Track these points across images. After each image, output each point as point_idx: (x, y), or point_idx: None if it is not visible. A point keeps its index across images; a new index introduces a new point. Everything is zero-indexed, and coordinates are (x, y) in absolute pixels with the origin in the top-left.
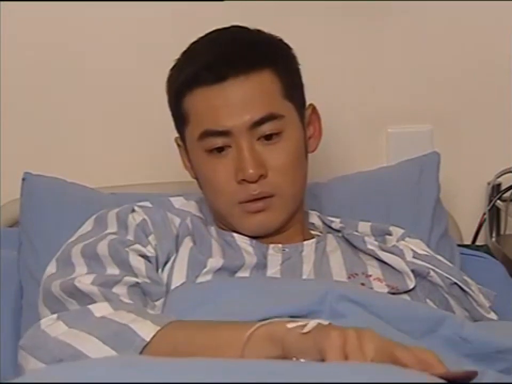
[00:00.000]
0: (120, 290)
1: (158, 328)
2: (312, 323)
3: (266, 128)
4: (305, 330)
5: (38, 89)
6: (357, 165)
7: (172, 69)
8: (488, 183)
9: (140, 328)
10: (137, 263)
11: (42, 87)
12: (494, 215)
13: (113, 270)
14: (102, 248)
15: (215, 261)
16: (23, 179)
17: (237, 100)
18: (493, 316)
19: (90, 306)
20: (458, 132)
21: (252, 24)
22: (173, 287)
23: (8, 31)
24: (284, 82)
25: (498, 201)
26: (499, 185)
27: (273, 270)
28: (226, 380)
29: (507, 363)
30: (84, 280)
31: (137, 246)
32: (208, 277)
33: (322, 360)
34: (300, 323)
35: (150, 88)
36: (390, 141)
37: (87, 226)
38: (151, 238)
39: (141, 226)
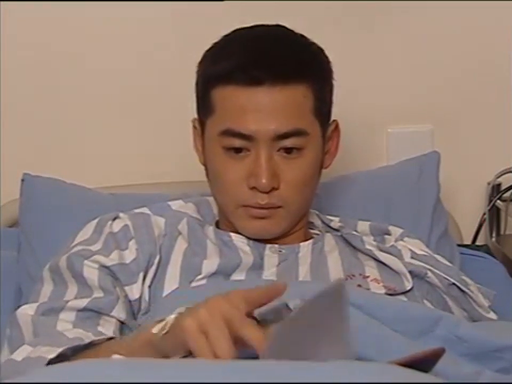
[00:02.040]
0: (67, 316)
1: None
2: (169, 320)
3: (289, 143)
4: (164, 332)
5: (38, 89)
6: (357, 165)
7: (208, 51)
8: (488, 183)
9: (50, 354)
10: (90, 274)
11: (42, 87)
12: (494, 215)
13: (72, 287)
14: (62, 262)
15: (210, 264)
16: (22, 180)
17: (267, 108)
18: (492, 315)
19: (13, 356)
20: (458, 132)
21: (251, 24)
22: (165, 292)
23: (8, 31)
24: (316, 98)
25: (498, 201)
26: (499, 185)
27: (269, 271)
28: (227, 380)
29: (504, 362)
30: (27, 310)
31: (97, 257)
32: (203, 282)
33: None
34: (161, 324)
35: (150, 88)
36: (390, 141)
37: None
38: (131, 243)
39: (119, 234)
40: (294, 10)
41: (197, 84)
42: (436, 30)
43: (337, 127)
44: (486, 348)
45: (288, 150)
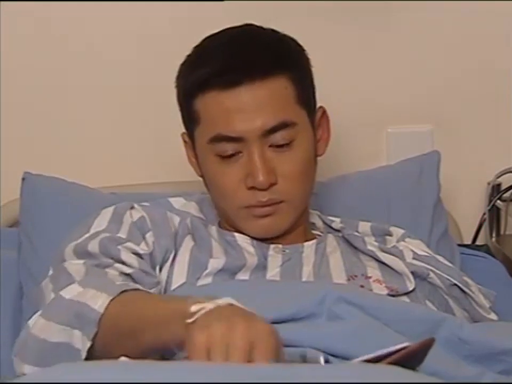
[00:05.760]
0: (112, 272)
1: (110, 298)
2: (201, 311)
3: (279, 137)
4: (189, 320)
5: (38, 89)
6: (357, 165)
7: (183, 65)
8: (488, 183)
9: (95, 302)
10: (129, 258)
11: (42, 86)
12: (494, 215)
13: (106, 260)
14: (93, 246)
15: (216, 262)
16: (23, 179)
17: (251, 106)
18: (493, 316)
19: (62, 292)
20: (458, 132)
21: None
22: (173, 287)
23: (8, 31)
24: (297, 87)
25: (498, 201)
26: (499, 185)
27: (273, 271)
28: (226, 380)
29: (506, 365)
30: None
31: (129, 244)
32: (209, 279)
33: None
34: (197, 307)
35: (150, 88)
36: (390, 141)
37: (81, 224)
38: (148, 235)
39: (138, 223)
40: (293, 10)
41: (178, 97)
42: (436, 30)
43: (324, 113)
44: (488, 350)
45: (280, 144)
